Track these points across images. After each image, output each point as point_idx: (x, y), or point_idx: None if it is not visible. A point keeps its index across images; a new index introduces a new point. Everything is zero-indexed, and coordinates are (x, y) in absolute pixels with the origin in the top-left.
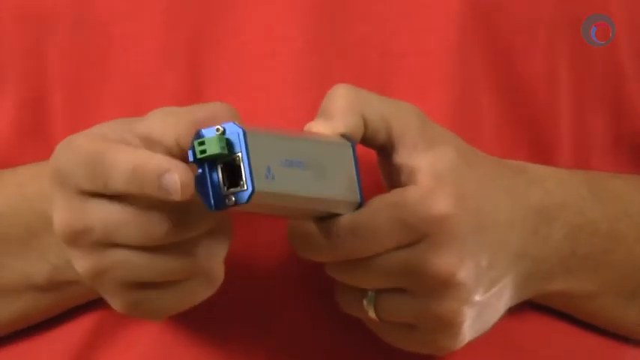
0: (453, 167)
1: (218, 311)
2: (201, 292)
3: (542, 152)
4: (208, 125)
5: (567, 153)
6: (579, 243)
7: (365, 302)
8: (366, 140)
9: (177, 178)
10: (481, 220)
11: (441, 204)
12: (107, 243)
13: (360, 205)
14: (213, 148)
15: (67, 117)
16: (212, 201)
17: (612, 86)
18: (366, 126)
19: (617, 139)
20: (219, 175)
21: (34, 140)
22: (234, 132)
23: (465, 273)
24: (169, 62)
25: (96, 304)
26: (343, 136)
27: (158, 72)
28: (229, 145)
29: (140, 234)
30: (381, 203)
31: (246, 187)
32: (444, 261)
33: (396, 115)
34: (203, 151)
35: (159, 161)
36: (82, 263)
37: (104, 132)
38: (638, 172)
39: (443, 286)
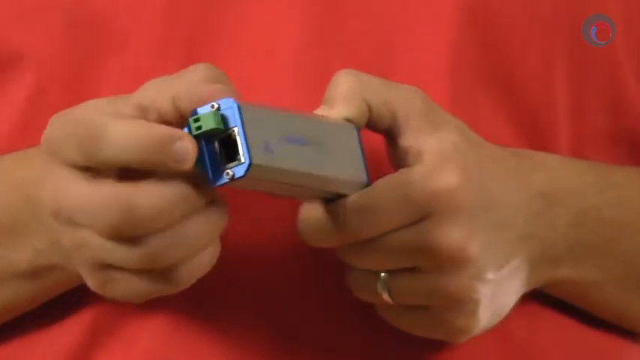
0: (457, 147)
1: (218, 305)
2: (162, 287)
3: (539, 149)
4: (208, 99)
5: (565, 151)
6: (584, 229)
7: (378, 286)
8: (371, 125)
9: (189, 145)
10: (487, 197)
11: (447, 178)
12: (76, 223)
13: (367, 186)
14: (208, 124)
15: None
16: (211, 176)
17: (610, 85)
18: (370, 111)
19: (615, 137)
20: (216, 150)
21: (33, 136)
22: (229, 107)
23: (474, 248)
24: (168, 59)
25: (92, 300)
26: (348, 120)
27: (156, 68)
28: (225, 120)
29: (104, 223)
30: (387, 182)
31: (243, 160)
32: (453, 236)
33: (400, 99)
34: (199, 128)
35: (168, 130)
36: (66, 239)
37: (99, 105)
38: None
39: (453, 261)
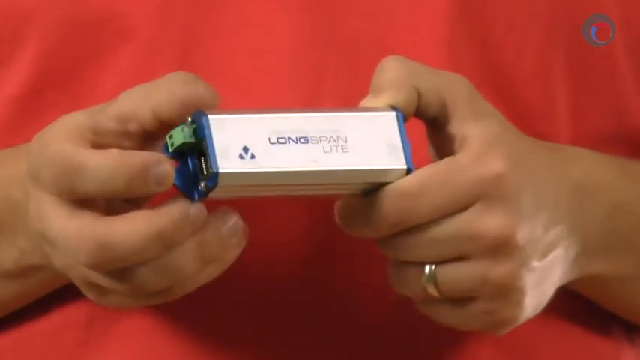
0: (502, 135)
1: (214, 303)
2: (158, 300)
3: None
4: (187, 107)
5: None
6: (619, 222)
7: (424, 278)
8: (419, 112)
9: (166, 168)
10: (532, 185)
11: (494, 164)
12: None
13: (409, 171)
14: (177, 139)
15: (62, 112)
16: (189, 191)
17: (609, 84)
18: (419, 98)
19: (616, 137)
20: (195, 164)
21: (28, 134)
22: (199, 118)
23: (522, 234)
24: (162, 59)
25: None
26: (393, 107)
27: (151, 68)
28: (198, 133)
29: (82, 258)
30: (435, 169)
31: (212, 170)
32: (502, 221)
33: (448, 86)
34: (172, 144)
35: (143, 157)
36: (53, 260)
37: (78, 120)
38: None
39: (502, 247)
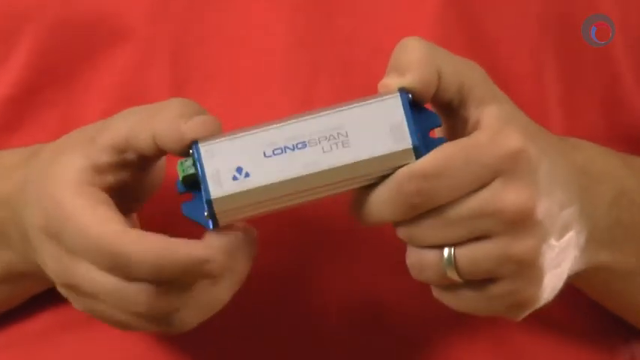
0: (516, 114)
1: None
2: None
3: None
4: (190, 136)
5: None
6: (623, 210)
7: (443, 262)
8: (436, 95)
9: (215, 267)
10: (546, 162)
11: (513, 140)
12: (93, 298)
13: (416, 149)
14: (180, 173)
15: (57, 112)
16: (204, 221)
17: (604, 81)
18: (439, 80)
19: (611, 134)
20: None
21: (22, 134)
22: (194, 149)
23: (542, 209)
24: (156, 59)
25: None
26: (401, 89)
27: (145, 68)
28: (196, 163)
29: (123, 306)
30: (453, 147)
31: (205, 199)
32: (522, 196)
33: (466, 70)
34: (179, 178)
35: (193, 255)
36: (75, 303)
37: (77, 166)
38: None
39: (522, 222)
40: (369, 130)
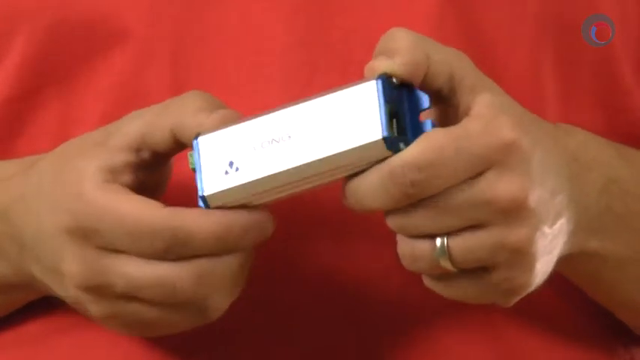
0: (508, 103)
1: None
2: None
3: None
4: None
5: None
6: (614, 198)
7: (435, 252)
8: (425, 82)
9: (269, 225)
10: (539, 150)
11: (506, 130)
12: (126, 297)
13: (387, 140)
14: (190, 164)
15: (56, 113)
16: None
17: (603, 81)
18: (428, 66)
19: (610, 133)
20: None
21: (21, 136)
22: (194, 144)
23: (535, 197)
24: (154, 59)
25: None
26: (381, 75)
27: (143, 69)
28: (194, 157)
29: (160, 294)
30: (446, 136)
31: (200, 194)
32: (515, 185)
33: (456, 60)
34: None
35: (246, 217)
36: (96, 308)
37: (95, 165)
38: None
39: (516, 211)
40: (346, 120)
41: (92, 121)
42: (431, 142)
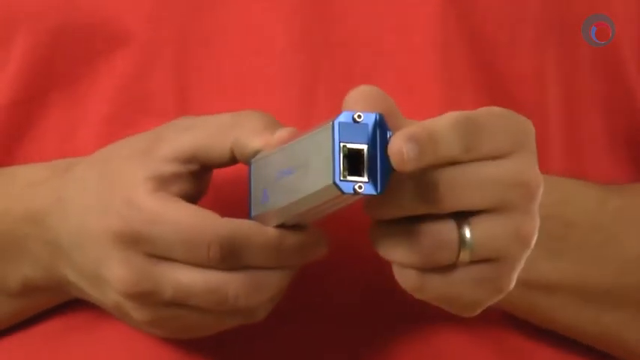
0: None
1: None
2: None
3: None
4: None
5: (559, 153)
6: (554, 220)
7: (465, 239)
8: None
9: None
10: None
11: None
12: (173, 303)
13: (338, 187)
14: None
15: (60, 116)
16: None
17: (605, 82)
18: None
19: (614, 137)
20: None
21: (25, 141)
22: (250, 168)
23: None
24: (157, 62)
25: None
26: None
27: (146, 72)
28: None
29: (212, 302)
30: (491, 109)
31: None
32: (538, 172)
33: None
34: None
35: (305, 236)
36: (139, 314)
37: (143, 176)
38: (635, 169)
39: (537, 201)
40: (316, 161)
41: (96, 124)
42: (473, 112)
